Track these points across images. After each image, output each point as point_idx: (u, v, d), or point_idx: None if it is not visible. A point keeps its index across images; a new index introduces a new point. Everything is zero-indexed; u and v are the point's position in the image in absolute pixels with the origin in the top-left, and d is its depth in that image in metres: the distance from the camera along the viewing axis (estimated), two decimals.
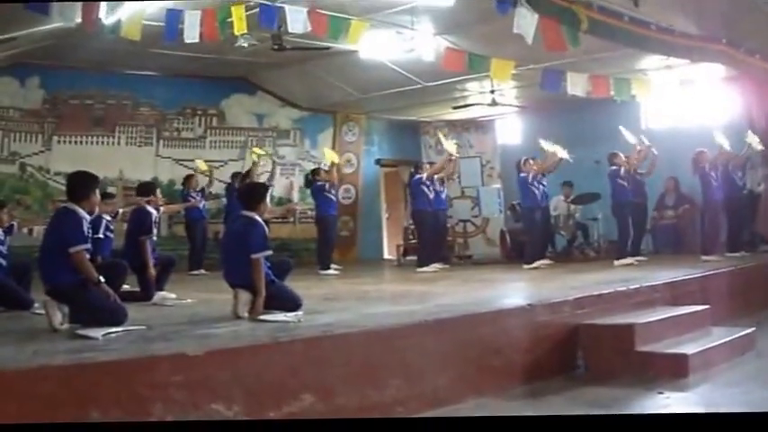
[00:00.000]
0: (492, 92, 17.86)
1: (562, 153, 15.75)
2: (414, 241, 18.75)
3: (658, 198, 18.50)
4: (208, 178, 17.92)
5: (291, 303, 8.64)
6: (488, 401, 7.50)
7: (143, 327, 7.69)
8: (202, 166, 17.98)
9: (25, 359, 5.93)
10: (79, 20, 12.10)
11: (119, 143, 18.55)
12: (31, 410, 5.30)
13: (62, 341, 7.07)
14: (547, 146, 15.90)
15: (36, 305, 9.15)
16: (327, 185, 17.01)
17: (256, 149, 18.49)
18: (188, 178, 17.65)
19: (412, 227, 18.77)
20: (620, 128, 15.89)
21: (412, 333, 7.58)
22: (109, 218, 12.46)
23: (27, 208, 16.74)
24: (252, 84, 20.01)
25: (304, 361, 6.69)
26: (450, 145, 16.95)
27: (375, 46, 14.38)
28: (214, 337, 7.25)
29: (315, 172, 17.68)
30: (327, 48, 14.89)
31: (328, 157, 17.65)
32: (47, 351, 6.37)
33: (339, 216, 18.93)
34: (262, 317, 8.29)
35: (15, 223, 11.93)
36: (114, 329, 7.35)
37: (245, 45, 13.60)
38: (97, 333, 7.12)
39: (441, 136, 18.26)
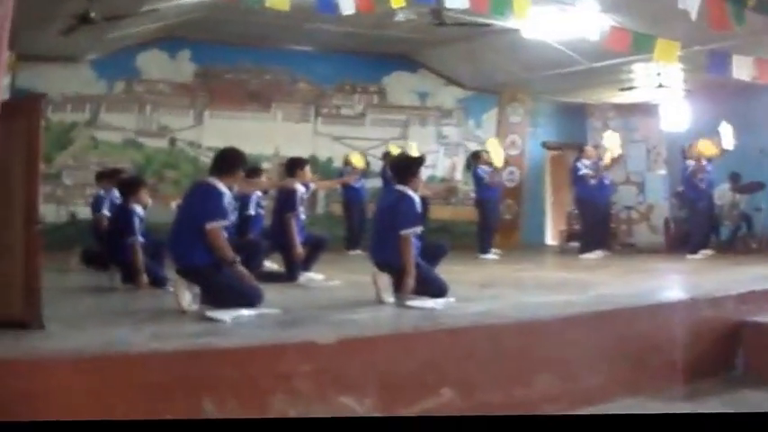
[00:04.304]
0: (658, 74, 17.13)
1: (727, 143, 15.05)
2: (578, 227, 18.17)
3: None
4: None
5: (435, 289, 8.13)
6: (642, 403, 6.93)
7: (277, 310, 7.30)
8: (358, 162, 17.51)
9: (138, 342, 5.57)
10: None
11: (275, 119, 18.40)
12: (136, 400, 4.96)
13: (187, 323, 6.74)
14: (724, 132, 15.20)
15: (171, 283, 8.81)
16: (487, 176, 16.48)
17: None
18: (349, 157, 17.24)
19: (576, 212, 18.20)
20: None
21: (567, 326, 7.13)
22: (260, 194, 12.20)
23: (176, 183, 16.63)
24: (414, 61, 19.56)
25: (446, 353, 6.29)
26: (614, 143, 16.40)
27: (538, 23, 13.82)
28: (352, 323, 6.90)
29: (476, 155, 17.12)
30: (488, 24, 14.30)
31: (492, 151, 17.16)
32: (165, 334, 6.01)
33: (502, 199, 18.48)
34: (409, 303, 7.85)
35: None
36: (245, 312, 6.97)
37: (403, 19, 13.21)
38: (226, 316, 6.76)
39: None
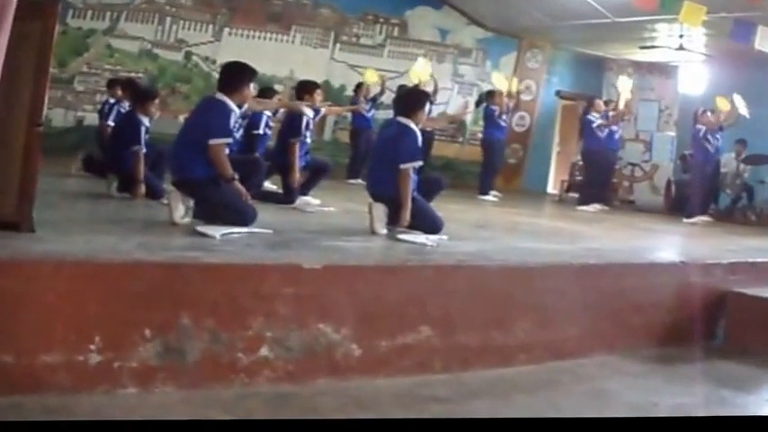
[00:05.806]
0: (680, 36, 17.04)
1: (743, 110, 14.98)
2: (579, 178, 18.19)
3: None
4: (380, 88, 17.27)
5: (431, 225, 8.13)
6: (616, 360, 6.97)
7: (269, 231, 7.31)
8: (371, 77, 17.44)
9: (124, 251, 5.57)
10: None
11: (293, 42, 18.36)
12: (116, 308, 4.98)
13: (175, 236, 6.78)
14: (738, 101, 15.12)
15: (167, 195, 8.85)
16: (498, 111, 16.52)
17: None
18: (360, 85, 17.20)
19: (580, 163, 18.22)
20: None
21: (552, 275, 7.11)
22: (270, 114, 12.19)
23: (187, 98, 16.66)
24: None
25: (430, 290, 6.27)
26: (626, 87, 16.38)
27: None
28: (341, 251, 6.88)
29: (490, 94, 17.13)
30: None
31: (496, 81, 17.26)
32: (152, 245, 6.00)
33: (509, 143, 18.63)
34: (401, 236, 7.84)
35: None
36: (236, 230, 7.00)
37: None
38: (216, 232, 6.77)
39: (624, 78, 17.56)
